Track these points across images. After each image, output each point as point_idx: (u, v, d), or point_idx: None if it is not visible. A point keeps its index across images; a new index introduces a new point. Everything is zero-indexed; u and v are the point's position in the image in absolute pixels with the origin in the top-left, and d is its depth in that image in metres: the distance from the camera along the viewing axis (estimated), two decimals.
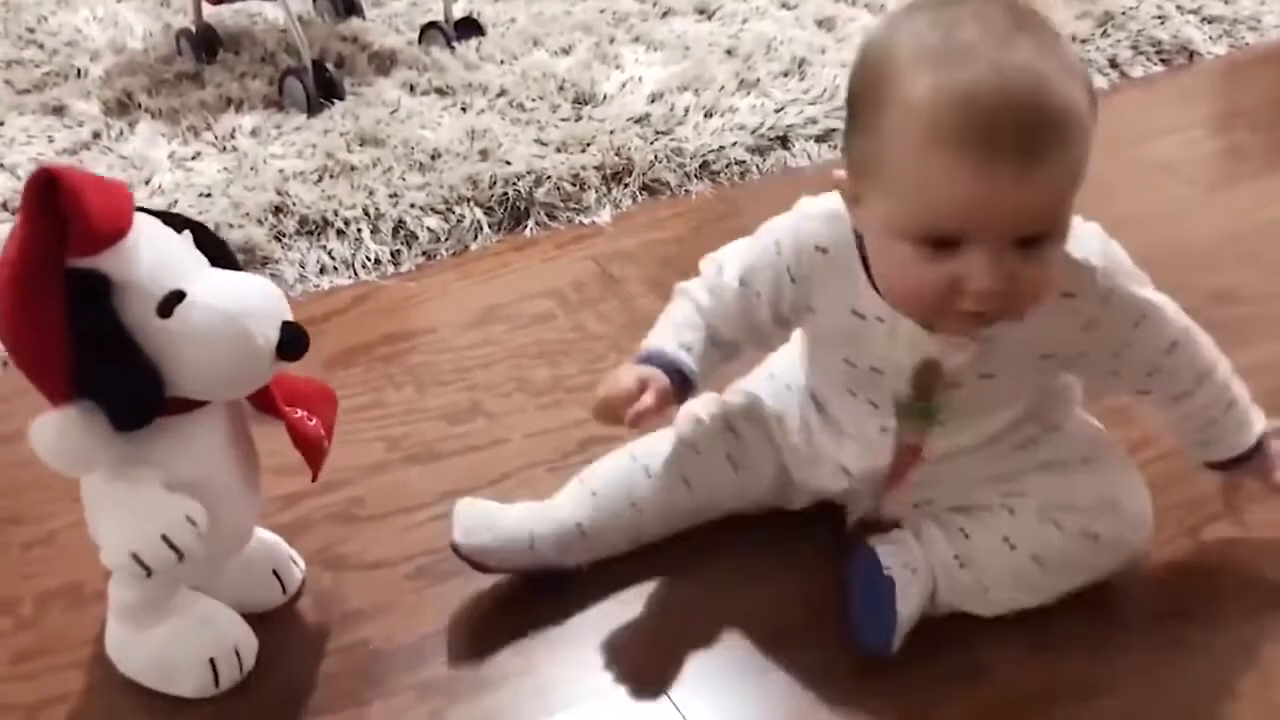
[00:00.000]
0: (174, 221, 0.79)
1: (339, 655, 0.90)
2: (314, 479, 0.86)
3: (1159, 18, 1.87)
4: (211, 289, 0.76)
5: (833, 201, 0.82)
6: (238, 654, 0.85)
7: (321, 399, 0.87)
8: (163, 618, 0.84)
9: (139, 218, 0.75)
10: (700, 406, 0.97)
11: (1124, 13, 1.87)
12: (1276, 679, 0.85)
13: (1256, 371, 1.14)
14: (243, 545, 0.89)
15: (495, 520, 0.90)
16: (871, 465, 0.89)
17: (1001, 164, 0.67)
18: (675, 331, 0.90)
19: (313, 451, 0.84)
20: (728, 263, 0.90)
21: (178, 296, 0.75)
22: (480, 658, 0.89)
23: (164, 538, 0.77)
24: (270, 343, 0.77)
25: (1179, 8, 1.91)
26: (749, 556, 0.96)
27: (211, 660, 0.84)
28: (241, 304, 0.76)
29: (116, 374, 0.74)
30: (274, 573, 0.91)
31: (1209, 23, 1.89)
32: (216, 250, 0.80)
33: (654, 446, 0.95)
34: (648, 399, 0.82)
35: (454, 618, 0.92)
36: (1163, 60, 1.82)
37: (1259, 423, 0.90)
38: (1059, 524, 0.86)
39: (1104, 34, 1.83)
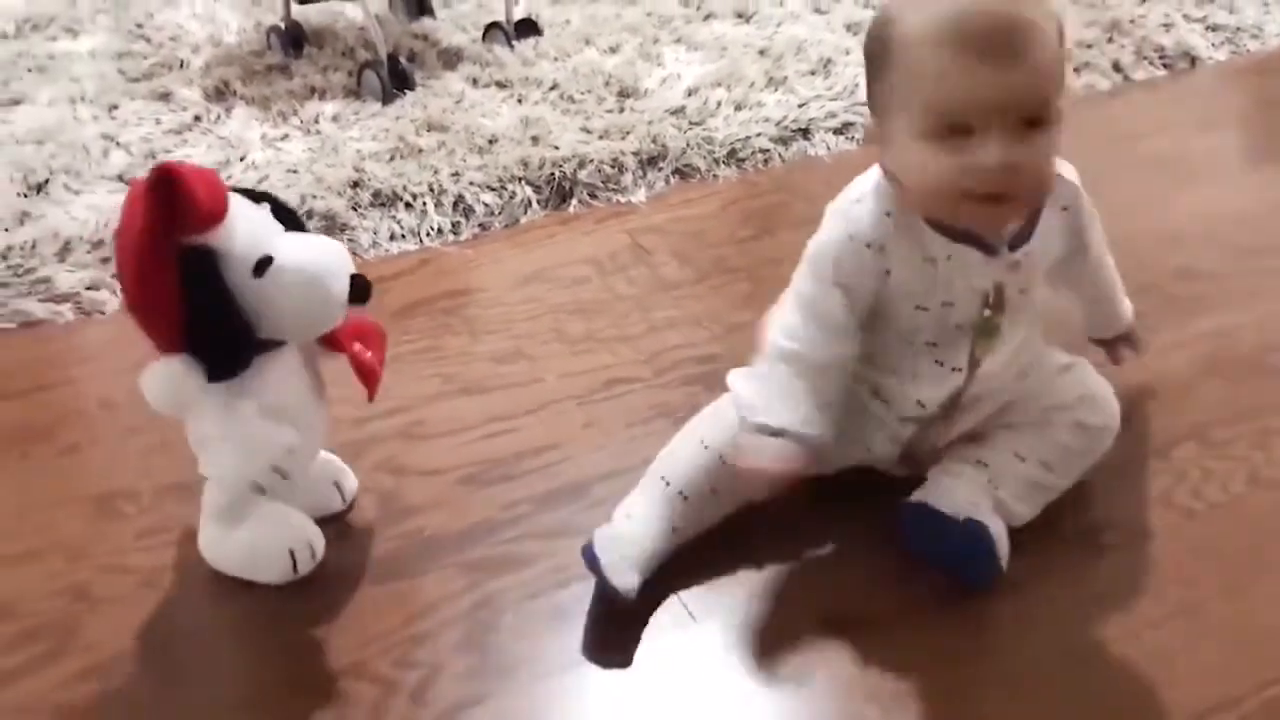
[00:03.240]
0: (253, 196, 0.97)
1: (398, 540, 1.09)
2: (370, 398, 1.03)
3: (1165, 25, 2.02)
4: (294, 251, 0.94)
5: (859, 184, 0.99)
6: (311, 547, 1.04)
7: (374, 334, 1.04)
8: (247, 519, 1.02)
9: (230, 197, 0.93)
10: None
11: (1131, 21, 2.02)
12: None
13: (1205, 338, 1.30)
14: (314, 460, 1.07)
15: (633, 563, 0.99)
16: (946, 392, 1.01)
17: (990, 58, 0.85)
18: (789, 403, 0.97)
19: (369, 377, 1.02)
20: (820, 285, 0.97)
21: (267, 260, 0.92)
22: (514, 545, 1.08)
23: (274, 468, 0.97)
24: (343, 292, 0.95)
25: (1185, 16, 2.05)
26: None
27: (291, 551, 1.02)
28: (319, 262, 0.94)
29: (221, 330, 0.91)
30: (335, 483, 1.11)
31: (1213, 30, 2.03)
32: (288, 218, 0.98)
33: (722, 430, 1.03)
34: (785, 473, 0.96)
35: (496, 514, 1.11)
36: (1165, 65, 1.96)
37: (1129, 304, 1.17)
38: (1053, 421, 1.04)
39: (1109, 39, 1.98)
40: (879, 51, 0.90)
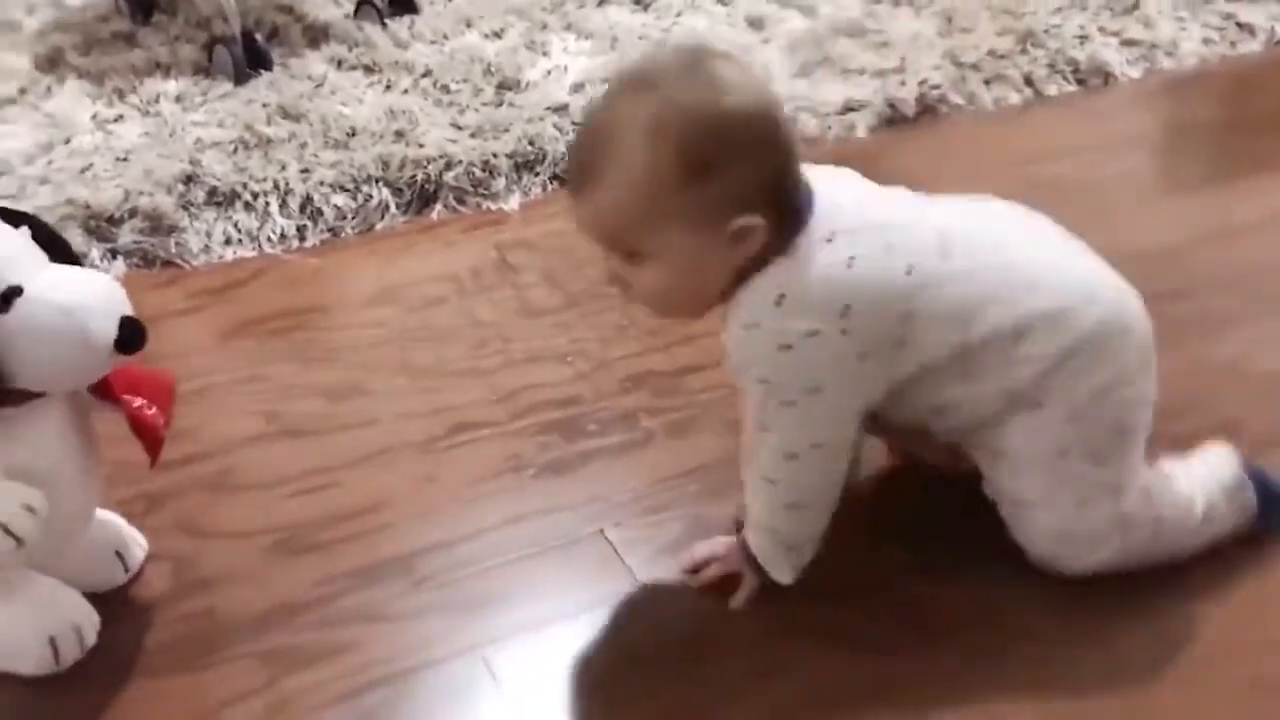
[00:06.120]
0: (11, 217, 0.82)
1: (187, 621, 0.94)
2: (152, 465, 0.89)
3: (1080, 38, 1.92)
4: (49, 284, 0.79)
5: None
6: (79, 633, 0.89)
7: (160, 388, 0.89)
8: (3, 600, 0.86)
9: None
10: None
11: (1045, 31, 1.92)
12: None
13: None
14: (83, 529, 0.92)
15: None
16: None
17: (568, 187, 0.87)
18: None
19: (150, 439, 0.87)
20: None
21: (15, 291, 0.78)
22: (321, 632, 0.93)
23: (3, 527, 0.80)
24: (107, 338, 0.80)
25: (1101, 29, 1.96)
26: None
27: (52, 639, 0.87)
28: (79, 299, 0.79)
29: None
30: (116, 553, 0.95)
31: (1128, 46, 1.94)
32: (55, 246, 0.83)
33: None
34: None
35: (304, 592, 0.97)
36: (1078, 81, 1.86)
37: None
38: None
39: (1023, 51, 1.88)
40: None
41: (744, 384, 0.90)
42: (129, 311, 0.82)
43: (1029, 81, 1.83)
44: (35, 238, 0.83)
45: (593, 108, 0.89)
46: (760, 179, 0.84)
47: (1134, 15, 2.02)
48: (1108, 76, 1.88)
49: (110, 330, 0.80)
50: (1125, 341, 0.91)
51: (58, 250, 0.84)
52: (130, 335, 0.81)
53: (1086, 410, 0.90)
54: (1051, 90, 1.83)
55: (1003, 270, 0.90)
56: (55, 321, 0.79)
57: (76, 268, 0.83)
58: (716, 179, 0.82)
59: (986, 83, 1.81)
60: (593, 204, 0.84)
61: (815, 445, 0.89)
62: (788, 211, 0.86)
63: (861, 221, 0.88)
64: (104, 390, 0.87)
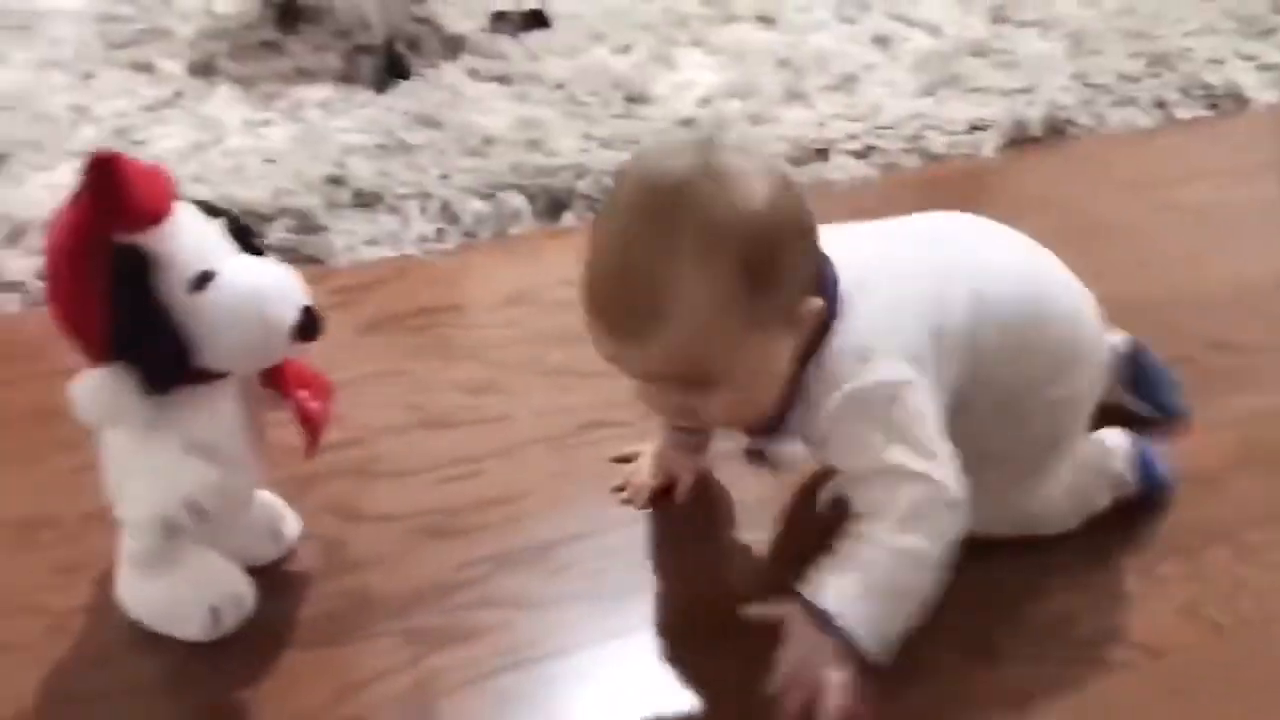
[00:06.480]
0: (209, 210, 0.88)
1: (337, 598, 0.98)
2: (310, 455, 0.93)
3: (1214, 61, 1.90)
4: (238, 271, 0.85)
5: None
6: (237, 603, 0.94)
7: (322, 387, 0.94)
8: (169, 569, 0.92)
9: (179, 205, 0.84)
10: None
11: (1178, 54, 1.90)
12: None
13: (1240, 422, 1.18)
14: (248, 506, 0.97)
15: None
16: None
17: (602, 334, 0.83)
18: None
19: (313, 431, 0.92)
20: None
21: (208, 276, 0.84)
22: (465, 613, 0.97)
23: (190, 503, 0.86)
24: (287, 323, 0.85)
25: (1236, 52, 1.93)
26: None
27: (214, 608, 0.92)
28: (264, 286, 0.85)
29: (149, 341, 0.83)
30: (272, 530, 1.00)
31: (1264, 70, 1.90)
32: (245, 239, 0.89)
33: None
34: None
35: (449, 575, 1.00)
36: (1211, 104, 1.84)
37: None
38: None
39: (1154, 74, 1.86)
40: None
41: (864, 469, 0.86)
42: (308, 301, 0.87)
43: (1160, 104, 1.81)
44: (229, 231, 0.88)
45: (617, 241, 0.80)
46: (808, 258, 0.83)
47: (1270, 39, 1.99)
48: (1242, 100, 1.85)
49: (291, 316, 0.85)
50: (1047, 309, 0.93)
51: (246, 243, 0.89)
52: (309, 323, 0.86)
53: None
54: (1183, 114, 1.81)
55: (958, 263, 0.91)
56: (242, 304, 0.84)
57: (263, 258, 0.89)
58: (778, 276, 0.80)
59: (1116, 105, 1.80)
60: (660, 348, 0.79)
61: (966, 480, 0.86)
62: (823, 276, 0.85)
63: (865, 257, 0.88)
64: (276, 382, 0.92)
